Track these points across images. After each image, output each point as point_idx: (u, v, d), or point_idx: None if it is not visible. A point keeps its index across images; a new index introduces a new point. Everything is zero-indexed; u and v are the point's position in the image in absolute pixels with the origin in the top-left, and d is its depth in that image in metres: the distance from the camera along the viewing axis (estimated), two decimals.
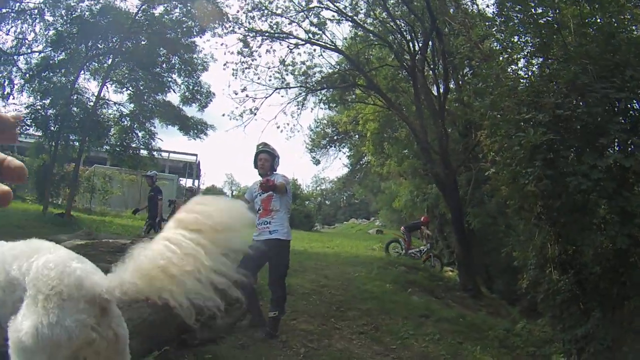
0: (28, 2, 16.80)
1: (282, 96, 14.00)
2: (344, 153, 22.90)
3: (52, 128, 14.88)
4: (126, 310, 3.12)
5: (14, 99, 16.21)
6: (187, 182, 33.69)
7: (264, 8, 12.99)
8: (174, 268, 1.22)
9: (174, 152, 30.12)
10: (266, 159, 4.96)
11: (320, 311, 5.53)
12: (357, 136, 18.83)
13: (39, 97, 15.25)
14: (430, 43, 12.56)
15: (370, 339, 4.81)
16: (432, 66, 13.25)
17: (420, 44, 12.57)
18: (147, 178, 12.00)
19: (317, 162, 20.34)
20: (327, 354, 4.28)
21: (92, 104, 14.74)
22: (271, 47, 13.44)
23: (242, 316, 5.03)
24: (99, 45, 14.90)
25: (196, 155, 32.62)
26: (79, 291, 1.26)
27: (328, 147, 19.77)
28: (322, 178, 40.95)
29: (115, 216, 18.49)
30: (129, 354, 1.45)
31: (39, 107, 14.95)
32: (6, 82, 16.77)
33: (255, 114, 13.76)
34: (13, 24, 16.83)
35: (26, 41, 16.85)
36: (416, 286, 8.37)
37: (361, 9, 13.15)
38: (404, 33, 12.96)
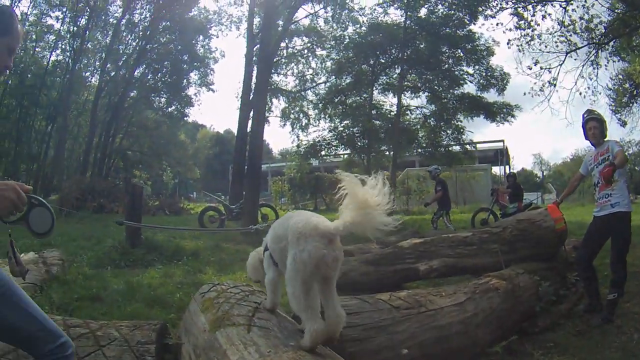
0: (295, 47, 18.84)
1: (574, 59, 13.36)
2: None
3: (359, 143, 16.65)
4: (479, 301, 3.59)
5: (312, 127, 18.59)
6: (499, 170, 34.42)
7: None
8: (370, 208, 1.85)
9: (481, 142, 30.19)
10: (595, 126, 4.59)
11: None
12: None
13: (338, 120, 17.05)
14: None
15: None
16: None
17: None
18: (429, 173, 12.18)
19: (624, 124, 18.78)
20: None
21: (393, 114, 16.19)
22: (545, 12, 12.96)
23: (578, 300, 4.79)
24: (381, 60, 16.36)
25: (503, 141, 32.90)
26: (315, 231, 1.93)
27: (630, 103, 18.25)
28: (628, 142, 37.27)
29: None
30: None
31: (342, 128, 16.77)
32: (301, 116, 19.24)
33: (555, 85, 13.33)
34: (288, 68, 19.21)
35: (307, 77, 19.16)
36: None
37: None
38: None
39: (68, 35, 20.66)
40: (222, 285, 2.80)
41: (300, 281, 1.91)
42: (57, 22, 21.18)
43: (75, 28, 20.22)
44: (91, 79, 23.05)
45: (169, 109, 22.28)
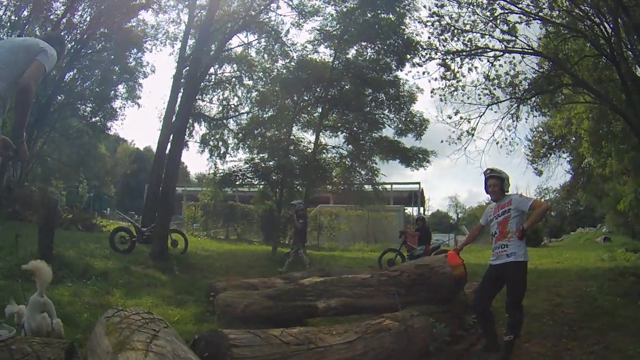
0: (223, 74, 18.99)
1: (495, 112, 13.95)
2: (565, 159, 21.86)
3: (274, 177, 16.78)
4: (370, 340, 3.83)
5: (230, 156, 18.64)
6: (412, 211, 34.88)
7: (452, 28, 13.21)
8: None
9: (397, 183, 31.73)
10: (495, 183, 4.96)
11: (553, 332, 5.38)
12: (573, 139, 18.50)
13: (255, 151, 17.37)
14: (619, 20, 11.49)
15: (600, 359, 4.57)
16: (629, 46, 12.21)
17: (611, 25, 11.78)
18: (293, 207, 12.61)
19: (540, 173, 19.54)
20: None
21: (310, 151, 16.43)
22: (472, 65, 13.60)
23: (476, 341, 5.07)
24: (305, 97, 16.74)
25: (418, 183, 34.73)
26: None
27: (548, 155, 19.15)
28: (545, 189, 39.74)
29: (344, 250, 19.86)
30: None
31: (259, 160, 16.97)
32: (220, 144, 19.21)
33: (472, 135, 13.84)
34: (214, 94, 19.20)
35: (231, 105, 19.24)
36: None
37: (544, 4, 12.93)
38: (592, 17, 12.35)
39: (8, 24, 19.33)
40: (125, 311, 2.97)
41: None
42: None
43: (16, 18, 18.96)
44: None
45: (93, 119, 21.49)
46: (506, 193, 5.01)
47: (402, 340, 4.22)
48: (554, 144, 19.46)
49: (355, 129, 16.80)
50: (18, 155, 3.15)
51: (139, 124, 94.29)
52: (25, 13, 19.19)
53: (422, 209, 35.62)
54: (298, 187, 17.14)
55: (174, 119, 16.08)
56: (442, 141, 14.24)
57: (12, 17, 19.03)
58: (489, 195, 5.17)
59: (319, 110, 16.75)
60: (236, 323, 5.14)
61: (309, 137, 17.76)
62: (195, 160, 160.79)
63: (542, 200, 32.94)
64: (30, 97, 3.09)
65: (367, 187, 17.31)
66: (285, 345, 3.19)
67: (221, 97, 20.22)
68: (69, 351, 2.82)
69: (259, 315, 5.35)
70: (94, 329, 2.93)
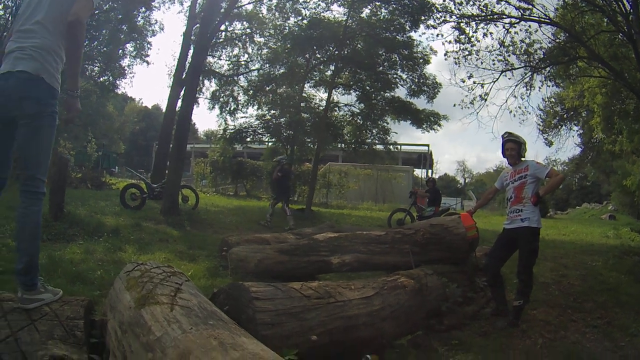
0: (233, 30, 18.54)
1: (509, 78, 14.19)
2: (575, 131, 21.54)
3: (285, 134, 16.91)
4: (387, 296, 3.86)
5: (241, 113, 18.55)
6: (421, 173, 35.43)
7: None
8: None
9: (406, 145, 31.54)
10: (512, 147, 4.96)
11: (559, 302, 5.46)
12: (585, 112, 18.02)
13: (267, 108, 17.21)
14: None
15: (602, 334, 4.62)
16: None
17: (630, 2, 11.33)
18: (278, 162, 12.80)
19: (550, 144, 19.30)
20: (561, 346, 4.26)
21: (321, 108, 16.31)
22: (487, 30, 13.37)
23: (485, 304, 5.13)
24: (317, 55, 16.44)
25: (427, 145, 34.77)
26: None
27: (559, 126, 18.83)
28: (554, 160, 39.31)
29: (352, 209, 20.02)
30: None
31: (270, 117, 16.95)
32: (231, 100, 19.05)
33: (485, 100, 13.72)
34: (223, 50, 18.89)
35: (242, 62, 18.94)
36: None
37: None
38: None
39: None
40: (145, 265, 2.93)
41: None
42: None
43: None
44: None
45: (101, 79, 21.09)
46: (523, 158, 5.02)
47: (417, 298, 4.26)
48: (565, 115, 19.15)
49: (367, 88, 16.44)
50: (71, 113, 2.86)
51: (147, 82, 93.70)
52: None
53: (430, 171, 35.60)
54: (309, 144, 17.14)
55: (184, 76, 15.92)
56: (454, 105, 14.58)
57: None
58: (505, 159, 5.15)
59: (332, 68, 16.37)
60: (249, 277, 5.17)
61: (320, 94, 17.67)
62: (204, 118, 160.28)
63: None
64: (81, 34, 2.77)
65: (379, 146, 17.23)
66: (306, 298, 3.19)
67: (231, 55, 20.10)
68: (88, 308, 2.78)
69: (272, 270, 5.37)
70: (113, 285, 2.90)
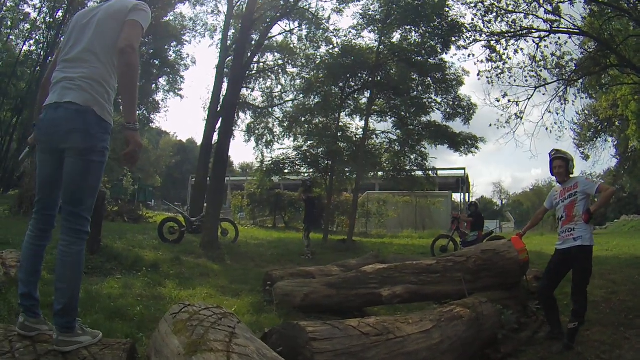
0: (266, 62, 18.89)
1: (543, 94, 13.77)
2: (611, 142, 21.17)
3: (323, 164, 16.69)
4: (445, 328, 3.69)
5: (277, 144, 18.66)
6: (459, 197, 35.10)
7: (495, 8, 13.07)
8: None
9: (443, 169, 30.73)
10: (561, 165, 4.88)
11: (611, 320, 5.26)
12: (618, 122, 17.85)
13: (303, 139, 17.15)
14: None
15: None
16: None
17: None
18: (303, 183, 12.96)
19: (587, 158, 18.92)
20: None
21: (358, 137, 16.22)
22: (518, 46, 13.49)
23: (538, 328, 5.02)
24: (351, 83, 16.42)
25: (464, 169, 34.28)
26: None
27: (594, 138, 18.77)
28: (589, 174, 38.44)
29: (393, 237, 19.62)
30: None
31: (307, 148, 16.82)
32: (266, 132, 19.24)
33: (521, 118, 13.80)
34: (257, 83, 19.23)
35: (276, 93, 19.20)
36: None
37: None
38: None
39: (43, 26, 19.91)
40: (193, 306, 2.68)
41: None
42: (34, 11, 20.50)
43: (51, 20, 19.48)
44: None
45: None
46: (571, 175, 4.94)
47: (474, 328, 4.12)
48: (600, 127, 18.95)
49: (403, 113, 16.35)
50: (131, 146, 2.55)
51: (181, 116, 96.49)
52: (60, 14, 19.74)
53: (468, 195, 34.67)
54: (347, 174, 16.90)
55: (219, 109, 16.10)
56: (490, 125, 14.48)
57: (47, 19, 19.60)
58: (554, 177, 5.06)
59: (366, 95, 16.42)
60: (295, 312, 5.06)
61: (356, 122, 17.60)
62: (240, 150, 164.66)
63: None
64: (134, 61, 2.52)
65: (418, 173, 16.91)
66: (365, 336, 2.99)
67: (265, 86, 20.38)
68: (131, 353, 2.57)
69: (319, 305, 5.24)
70: (158, 327, 2.68)
